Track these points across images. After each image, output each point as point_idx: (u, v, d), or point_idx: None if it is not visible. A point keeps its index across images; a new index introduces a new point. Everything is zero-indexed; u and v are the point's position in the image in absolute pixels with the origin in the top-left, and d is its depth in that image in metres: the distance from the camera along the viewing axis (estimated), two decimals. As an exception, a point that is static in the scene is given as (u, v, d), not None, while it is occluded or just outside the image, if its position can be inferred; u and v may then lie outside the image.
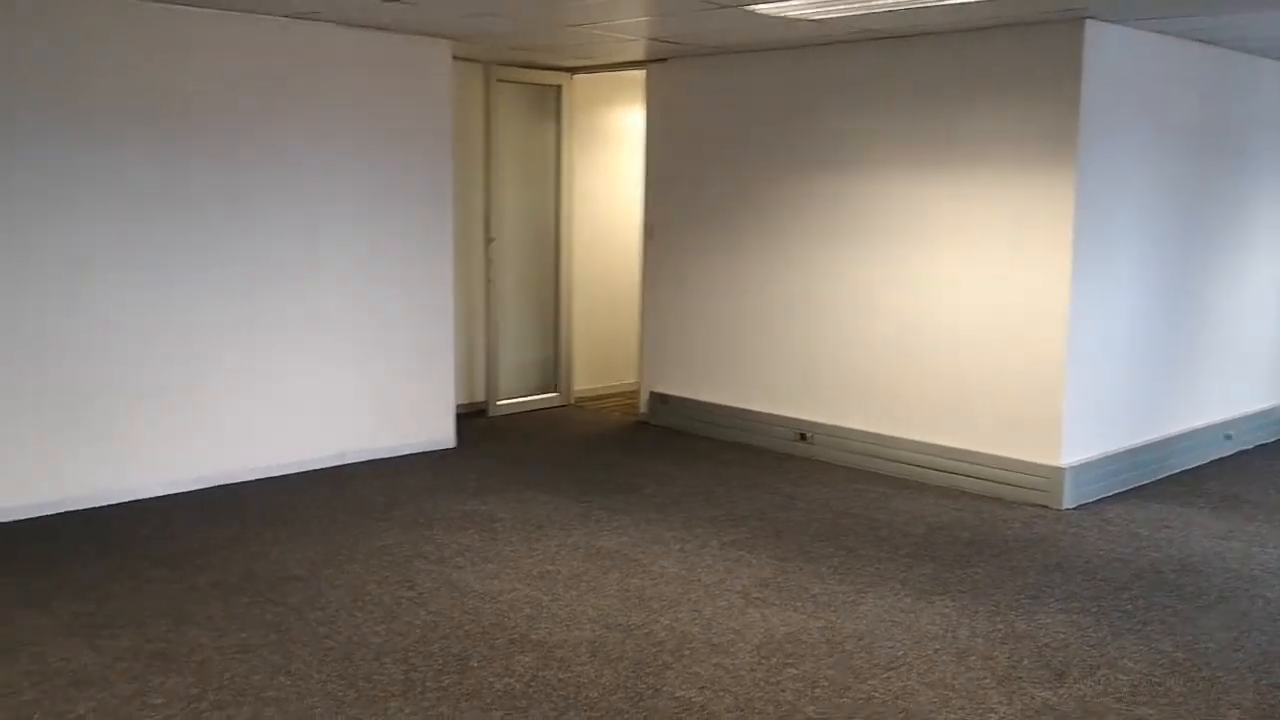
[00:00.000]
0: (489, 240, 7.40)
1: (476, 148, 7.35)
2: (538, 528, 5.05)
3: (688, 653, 3.72)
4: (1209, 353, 6.46)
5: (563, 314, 7.88)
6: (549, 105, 7.69)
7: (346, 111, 5.95)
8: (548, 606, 4.11)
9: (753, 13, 5.16)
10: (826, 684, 3.50)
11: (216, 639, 3.78)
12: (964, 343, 5.76)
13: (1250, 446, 6.81)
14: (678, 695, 3.41)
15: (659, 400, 7.32)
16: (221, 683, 3.46)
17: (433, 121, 6.32)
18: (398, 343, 6.32)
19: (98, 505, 5.27)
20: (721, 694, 3.42)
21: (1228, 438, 6.61)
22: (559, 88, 7.67)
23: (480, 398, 7.58)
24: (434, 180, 6.37)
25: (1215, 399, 6.54)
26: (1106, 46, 5.34)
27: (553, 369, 7.94)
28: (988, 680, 3.55)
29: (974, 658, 3.71)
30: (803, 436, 6.48)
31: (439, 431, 6.55)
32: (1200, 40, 5.86)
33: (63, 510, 5.17)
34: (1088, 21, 5.20)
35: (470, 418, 7.31)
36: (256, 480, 5.76)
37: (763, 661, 3.66)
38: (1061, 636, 3.90)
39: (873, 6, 4.97)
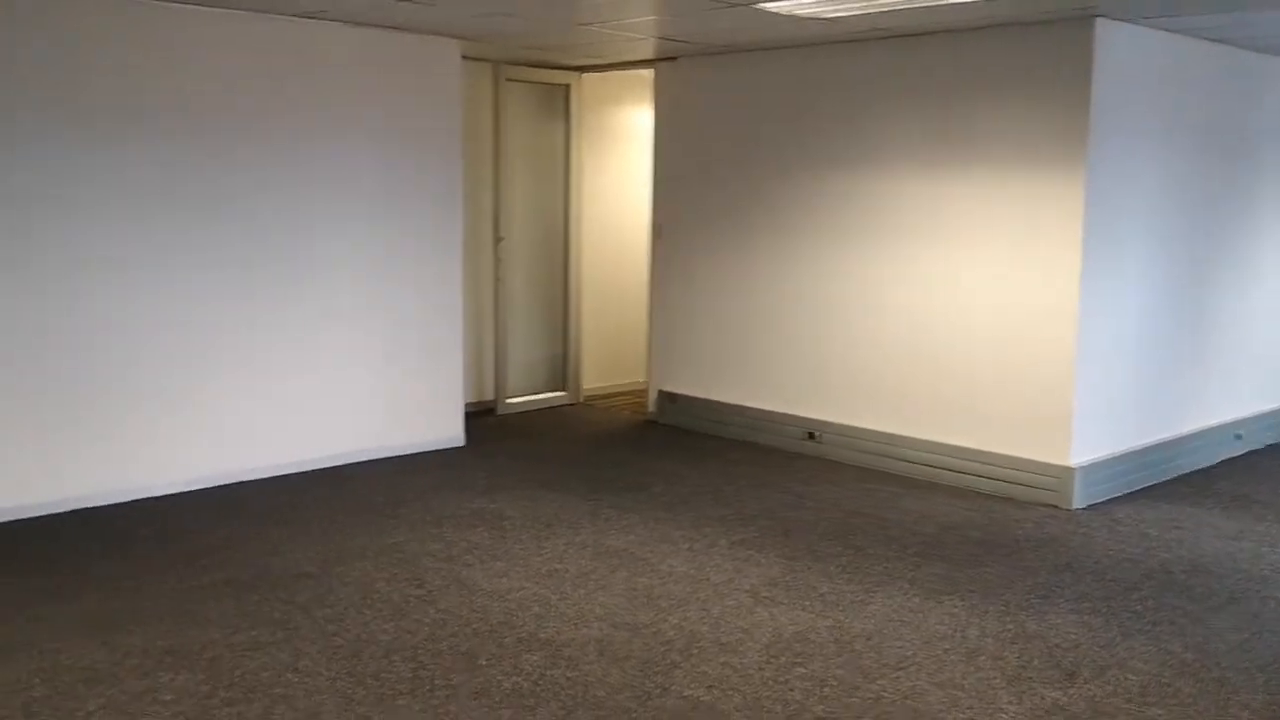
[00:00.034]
0: (498, 239, 7.41)
1: (486, 147, 7.35)
2: (546, 526, 5.06)
3: (696, 652, 3.72)
4: (1219, 352, 6.44)
5: (571, 313, 7.88)
6: (558, 104, 7.69)
7: (355, 111, 5.96)
8: (556, 605, 4.11)
9: (762, 11, 5.16)
10: (835, 683, 3.50)
11: (226, 636, 3.79)
12: (974, 342, 5.75)
13: (1261, 446, 6.78)
14: (686, 694, 3.41)
15: (668, 399, 7.31)
16: (232, 680, 3.47)
17: (442, 121, 6.33)
18: (407, 341, 6.32)
19: (106, 504, 5.28)
20: (730, 693, 3.42)
21: (1238, 437, 6.59)
22: (568, 87, 7.67)
23: (489, 396, 7.58)
24: (443, 179, 6.37)
25: (1225, 399, 6.52)
26: (1117, 45, 5.32)
27: (561, 368, 7.95)
28: (997, 680, 3.54)
29: (983, 658, 3.71)
30: (811, 435, 6.47)
31: (448, 430, 6.56)
32: (1211, 39, 5.84)
33: (69, 509, 5.18)
34: (1098, 20, 5.18)
35: (479, 416, 7.32)
36: (266, 479, 5.78)
37: (771, 661, 3.66)
38: (1071, 637, 3.89)
39: (882, 5, 4.96)
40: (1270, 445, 6.84)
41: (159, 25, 5.24)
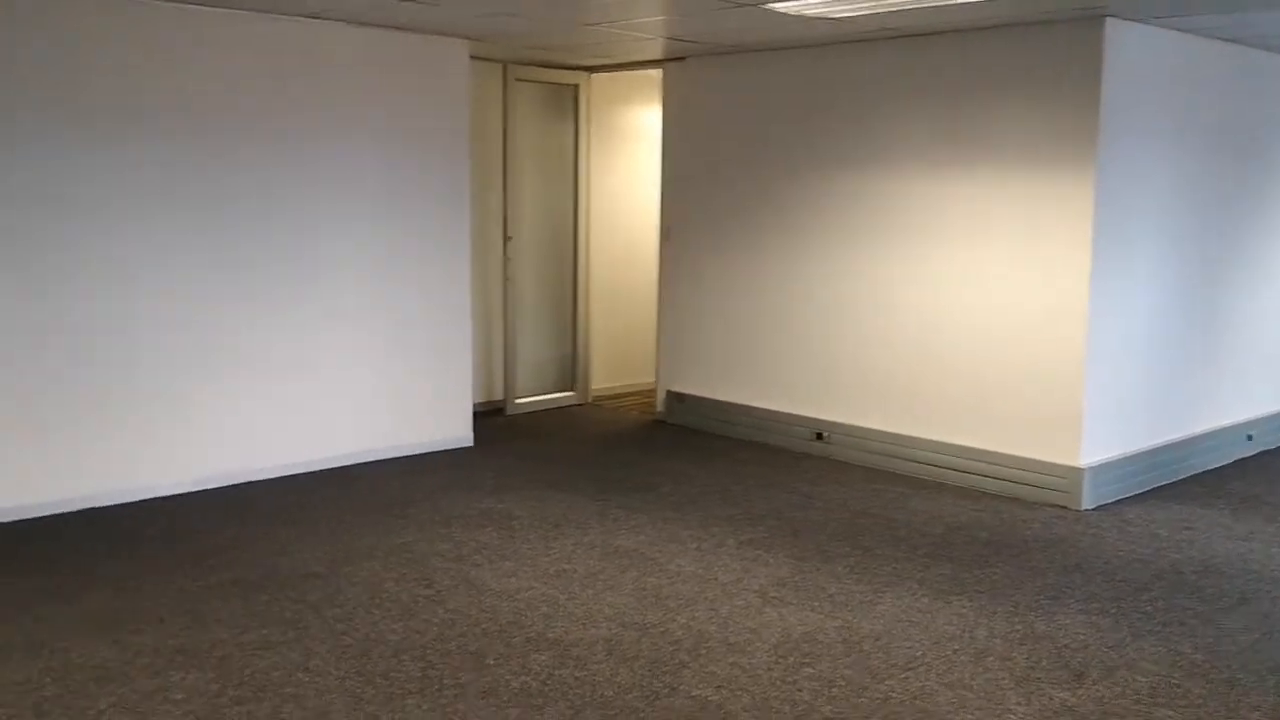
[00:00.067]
0: (506, 239, 7.42)
1: (494, 147, 7.36)
2: (555, 526, 5.06)
3: (704, 652, 3.72)
4: (1230, 353, 6.42)
5: (580, 313, 7.89)
6: (566, 104, 7.70)
7: (364, 111, 5.97)
8: (564, 605, 4.11)
9: (770, 11, 5.16)
10: (843, 684, 3.50)
11: (236, 635, 3.81)
12: (983, 342, 5.74)
13: (1273, 447, 6.76)
14: (694, 694, 3.41)
15: (676, 399, 7.31)
16: (241, 679, 3.48)
17: (450, 121, 6.34)
18: (415, 341, 6.34)
19: (113, 504, 5.30)
20: (738, 693, 3.42)
21: (1249, 438, 6.56)
22: (577, 87, 7.68)
23: (498, 396, 7.59)
24: (452, 180, 6.38)
25: (1236, 399, 6.50)
26: (1127, 45, 5.31)
27: (570, 368, 7.95)
28: (1006, 681, 3.53)
29: (992, 658, 3.70)
30: (820, 436, 6.47)
31: (456, 430, 6.57)
32: (1221, 38, 5.82)
33: (75, 510, 5.20)
34: (1108, 20, 5.17)
35: (488, 416, 7.33)
36: (274, 479, 5.79)
37: (779, 661, 3.66)
38: (1080, 637, 3.88)
39: (890, 5, 4.96)
40: (1281, 446, 6.83)
41: (161, 25, 5.24)
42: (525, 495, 5.56)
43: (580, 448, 6.67)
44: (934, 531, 5.07)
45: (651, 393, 7.76)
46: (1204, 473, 6.15)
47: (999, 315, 5.66)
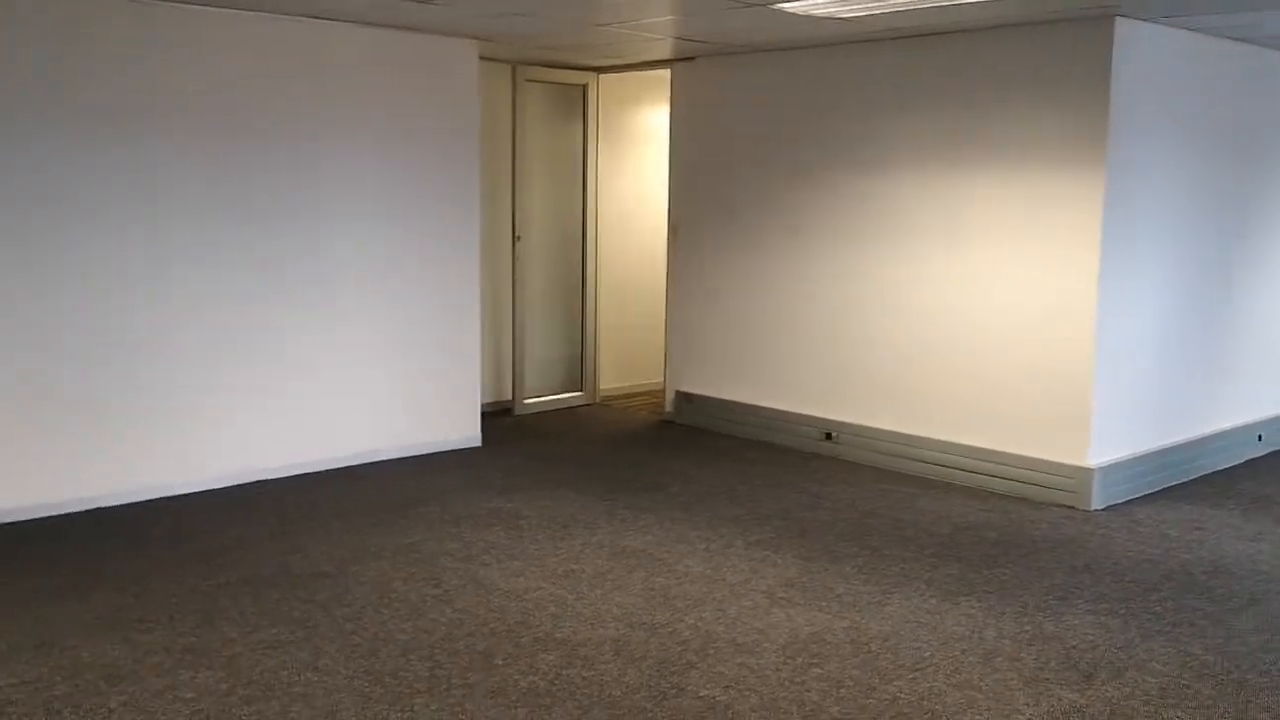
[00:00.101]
0: (515, 239, 7.43)
1: (503, 147, 7.37)
2: (563, 526, 5.07)
3: (712, 652, 3.72)
4: (1240, 354, 6.40)
5: (588, 313, 7.89)
6: (575, 104, 7.70)
7: (373, 112, 5.98)
8: (572, 605, 4.12)
9: (779, 11, 5.15)
10: (851, 684, 3.49)
11: (246, 634, 3.82)
12: (991, 342, 5.73)
13: (1282, 447, 6.75)
14: (701, 695, 3.41)
15: (684, 399, 7.32)
16: (251, 678, 3.49)
17: (460, 121, 6.35)
18: (424, 341, 6.35)
19: (122, 504, 5.32)
20: (746, 694, 3.42)
21: (1259, 438, 6.54)
22: (585, 87, 7.68)
23: (506, 396, 7.60)
24: (461, 180, 6.39)
25: (1246, 399, 6.48)
26: (1137, 44, 5.30)
27: (578, 368, 7.96)
28: (1014, 681, 3.53)
29: (1000, 659, 3.70)
30: (828, 436, 6.46)
31: (465, 430, 6.58)
32: (1232, 38, 5.80)
33: (84, 509, 5.22)
34: (1118, 19, 5.16)
35: (496, 416, 7.34)
36: (283, 478, 5.81)
37: (787, 662, 3.66)
38: (1089, 638, 3.87)
39: (898, 4, 4.95)
40: (1292, 446, 6.81)
41: (163, 26, 5.23)
42: (533, 495, 5.57)
43: (588, 448, 6.67)
44: (942, 532, 5.06)
45: (660, 393, 7.76)
46: (1214, 473, 6.13)
47: (1008, 315, 5.65)
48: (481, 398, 6.76)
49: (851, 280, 6.31)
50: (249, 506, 5.32)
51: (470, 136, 6.40)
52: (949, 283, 5.88)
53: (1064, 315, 5.43)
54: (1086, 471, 5.41)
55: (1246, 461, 6.40)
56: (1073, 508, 5.43)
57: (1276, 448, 6.68)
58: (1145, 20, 5.27)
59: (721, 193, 6.97)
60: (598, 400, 8.03)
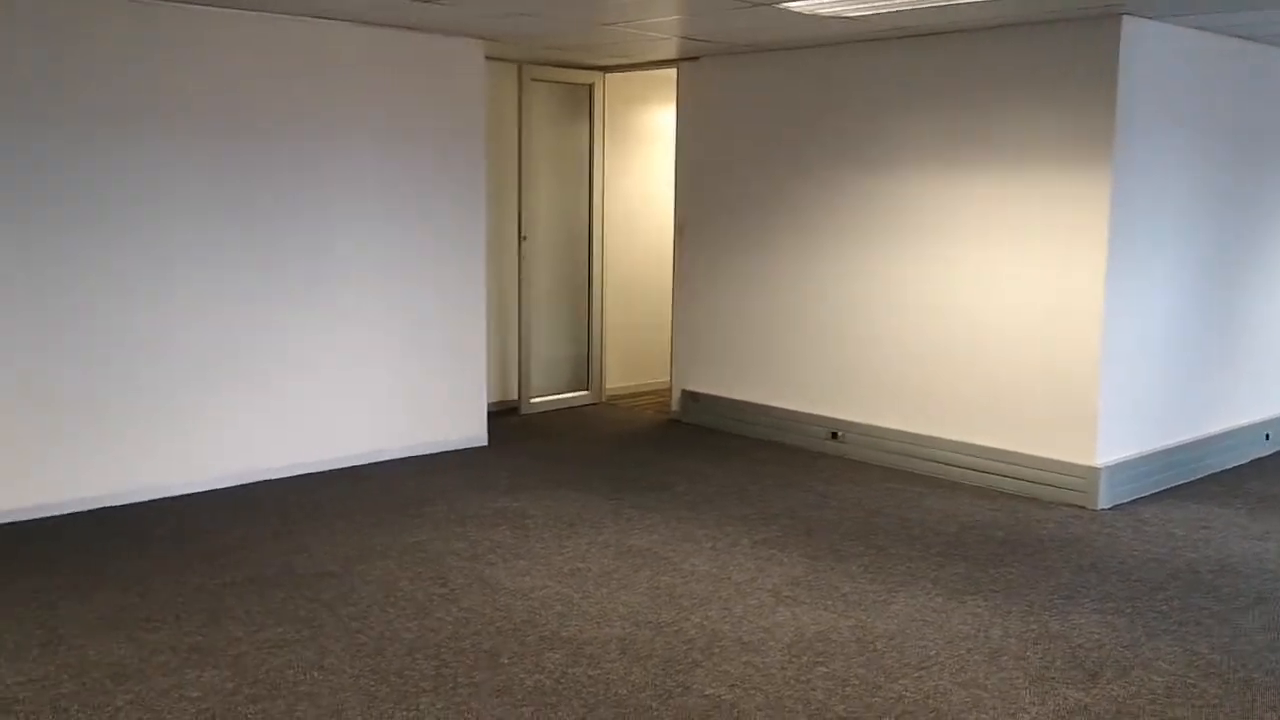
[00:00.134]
0: (522, 239, 7.43)
1: (510, 147, 7.38)
2: (569, 525, 5.07)
3: (718, 651, 3.72)
4: (1247, 354, 6.38)
5: (595, 312, 7.90)
6: (582, 104, 7.71)
7: (379, 112, 5.99)
8: (578, 604, 4.12)
9: (785, 10, 5.15)
10: (857, 683, 3.49)
11: (252, 633, 3.83)
12: (998, 341, 5.72)
13: (1290, 446, 6.73)
14: (707, 693, 3.42)
15: (690, 398, 7.32)
16: (256, 677, 3.50)
17: (466, 121, 6.35)
18: (431, 341, 6.35)
19: (125, 503, 5.33)
20: (751, 692, 3.42)
21: (1267, 437, 6.53)
22: (591, 86, 7.69)
23: (512, 396, 7.61)
24: (467, 179, 6.40)
25: (1253, 399, 6.46)
26: (1144, 43, 5.28)
27: (585, 367, 7.96)
28: (1020, 680, 3.52)
29: (1006, 658, 3.69)
30: (835, 435, 6.46)
31: (471, 429, 6.58)
32: (1240, 36, 5.78)
33: (89, 509, 5.23)
34: (1125, 18, 5.15)
35: (502, 415, 7.35)
36: (287, 478, 5.82)
37: (793, 660, 3.66)
38: (1095, 637, 3.87)
39: (904, 4, 4.94)
40: (1300, 445, 6.79)
41: (165, 25, 5.24)
42: (539, 494, 5.58)
43: (595, 447, 6.68)
44: (949, 531, 5.06)
45: (666, 392, 7.76)
46: (1221, 472, 6.12)
47: (1014, 314, 5.65)
48: (488, 397, 6.76)
49: (858, 280, 6.31)
50: (253, 506, 5.33)
51: (476, 136, 6.41)
52: (954, 282, 5.87)
53: (1070, 314, 5.42)
54: (1093, 471, 5.40)
55: (1253, 461, 6.38)
56: (1079, 507, 5.42)
57: (1284, 447, 6.68)
58: (1151, 19, 5.26)
59: (727, 192, 6.97)
60: (604, 399, 8.03)
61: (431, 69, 6.18)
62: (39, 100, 4.93)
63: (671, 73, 7.33)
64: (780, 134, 6.64)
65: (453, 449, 6.49)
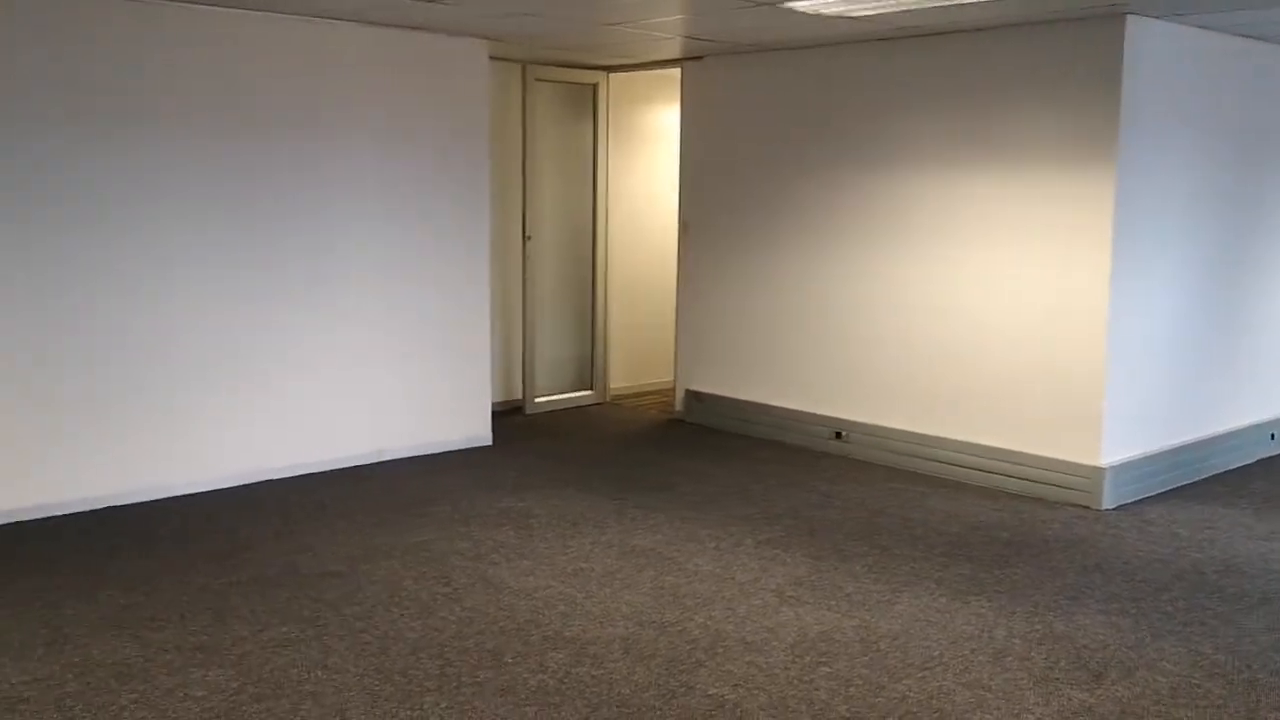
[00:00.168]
0: (526, 239, 7.44)
1: (513, 147, 7.38)
2: (573, 525, 5.07)
3: (721, 651, 3.72)
4: (1252, 354, 6.37)
5: (599, 312, 7.90)
6: (585, 104, 7.71)
7: (383, 111, 5.99)
8: (582, 603, 4.12)
9: (789, 10, 5.15)
10: (860, 683, 3.49)
11: (256, 633, 3.83)
12: (1003, 342, 5.72)
13: (1296, 447, 6.71)
14: (710, 693, 3.41)
15: (694, 398, 7.32)
16: (261, 676, 3.50)
17: (470, 121, 6.36)
18: (435, 341, 6.36)
19: (127, 503, 5.33)
20: (755, 692, 3.42)
21: (1272, 437, 6.51)
22: (595, 86, 7.69)
23: (517, 395, 7.61)
24: (471, 180, 6.40)
25: (1258, 399, 6.45)
26: (1148, 42, 5.28)
27: (588, 367, 7.96)
28: (1024, 681, 3.52)
29: (1010, 658, 3.69)
30: (839, 435, 6.45)
31: (475, 429, 6.59)
32: (1245, 35, 5.77)
33: (92, 509, 5.24)
34: (1129, 17, 5.14)
35: (506, 415, 7.35)
36: (294, 477, 5.82)
37: (796, 660, 3.65)
38: (1100, 637, 3.86)
39: (909, 3, 4.94)
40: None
41: (166, 25, 5.24)
42: (543, 494, 5.58)
43: (598, 447, 6.68)
44: (952, 531, 5.05)
45: (670, 392, 7.76)
46: (1226, 472, 6.11)
47: (1018, 314, 5.64)
48: (492, 397, 6.76)
49: (862, 279, 6.31)
50: (256, 506, 5.33)
51: (479, 136, 6.41)
52: (959, 282, 5.87)
53: (1074, 314, 5.42)
54: (1098, 471, 5.39)
55: (1259, 460, 6.37)
56: (1084, 507, 5.41)
57: (1289, 447, 6.67)
58: (1155, 18, 5.25)
59: (731, 192, 6.96)
60: (608, 399, 8.03)
61: (434, 69, 6.18)
62: (39, 100, 4.93)
63: (675, 72, 7.33)
64: (784, 134, 6.64)
65: (457, 449, 6.50)
